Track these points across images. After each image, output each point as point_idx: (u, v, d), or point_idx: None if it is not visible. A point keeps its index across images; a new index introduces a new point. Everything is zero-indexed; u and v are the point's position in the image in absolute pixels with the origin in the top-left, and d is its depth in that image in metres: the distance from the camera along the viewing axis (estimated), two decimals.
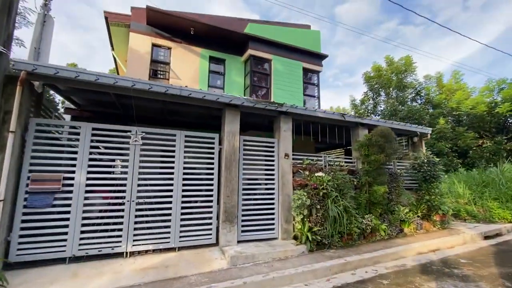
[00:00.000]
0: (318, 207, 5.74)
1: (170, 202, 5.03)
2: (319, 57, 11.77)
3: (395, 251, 5.44)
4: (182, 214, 5.09)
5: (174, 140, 5.23)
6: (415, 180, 7.92)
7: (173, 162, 5.16)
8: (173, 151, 5.20)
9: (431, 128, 8.66)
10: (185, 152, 5.28)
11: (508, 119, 13.59)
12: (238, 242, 5.43)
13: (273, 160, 6.17)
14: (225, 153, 5.49)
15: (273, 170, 6.13)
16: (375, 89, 20.17)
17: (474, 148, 13.79)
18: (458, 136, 14.21)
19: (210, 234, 5.29)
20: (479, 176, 10.90)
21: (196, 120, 7.38)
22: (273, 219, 5.94)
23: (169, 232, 4.92)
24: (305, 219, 5.76)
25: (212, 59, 10.16)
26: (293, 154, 6.41)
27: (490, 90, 15.08)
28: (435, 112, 16.06)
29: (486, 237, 7.12)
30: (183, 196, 5.14)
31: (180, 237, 5.01)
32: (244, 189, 5.73)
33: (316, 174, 6.07)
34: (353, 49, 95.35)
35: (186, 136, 5.32)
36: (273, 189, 6.05)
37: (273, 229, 5.90)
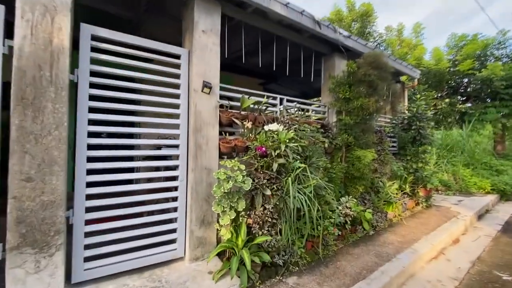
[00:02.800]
0: (268, 193, 2.81)
1: None
2: None
3: (398, 266, 2.98)
4: None
5: None
6: (394, 143, 5.65)
7: None
8: None
9: (419, 71, 6.35)
10: None
11: (467, 78, 12.74)
12: (75, 285, 2.24)
13: (176, 96, 2.86)
14: (18, 62, 1.95)
15: (177, 118, 2.85)
16: None
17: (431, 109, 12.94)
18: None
19: None
20: (442, 138, 9.53)
21: None
22: (172, 221, 2.83)
23: None
24: (240, 219, 2.81)
25: None
26: (222, 89, 3.20)
27: (449, 47, 13.99)
28: None
29: (479, 217, 5.42)
30: None
31: None
32: (92, 160, 2.36)
33: (267, 128, 3.02)
34: None
35: None
36: (173, 157, 2.85)
37: (173, 241, 2.82)
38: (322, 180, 3.39)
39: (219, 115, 3.05)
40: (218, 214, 2.86)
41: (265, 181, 2.81)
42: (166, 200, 2.79)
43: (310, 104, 4.32)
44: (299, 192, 2.94)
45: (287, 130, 3.09)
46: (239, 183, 2.59)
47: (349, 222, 3.63)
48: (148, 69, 2.69)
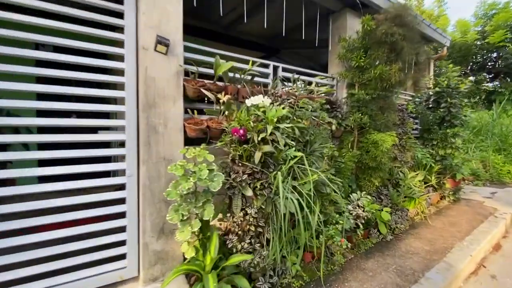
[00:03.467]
0: (250, 193, 2.01)
1: None
2: None
3: None
4: None
5: None
6: (416, 125, 4.68)
7: None
8: None
9: (450, 37, 5.25)
10: None
11: (497, 52, 11.29)
12: None
13: (119, 58, 2.02)
14: None
15: (121, 89, 2.03)
16: None
17: None
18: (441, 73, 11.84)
19: None
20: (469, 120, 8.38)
21: None
22: (119, 230, 2.07)
23: None
24: (211, 232, 2.04)
25: None
26: (189, 51, 2.35)
27: (477, 17, 12.39)
28: None
29: None
30: None
31: None
32: None
33: (249, 102, 2.15)
34: None
35: None
36: (116, 144, 2.05)
37: (121, 257, 2.08)
38: (327, 172, 2.56)
39: (183, 85, 2.21)
40: (178, 222, 2.08)
41: (245, 176, 2.00)
42: (110, 203, 2.04)
43: (313, 75, 3.42)
44: (293, 191, 2.12)
45: (279, 106, 2.23)
46: (204, 182, 1.80)
47: (361, 225, 2.82)
48: (74, 16, 1.85)
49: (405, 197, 3.68)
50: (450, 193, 4.54)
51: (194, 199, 1.85)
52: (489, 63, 12.17)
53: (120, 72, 2.01)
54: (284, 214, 2.02)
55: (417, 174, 3.89)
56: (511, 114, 10.08)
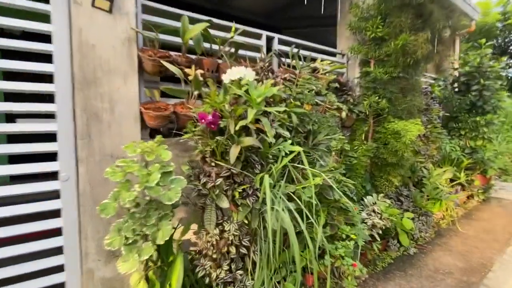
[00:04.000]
0: (226, 204, 1.45)
1: None
2: None
3: None
4: None
5: None
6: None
7: None
8: None
9: (479, 10, 4.49)
10: None
11: None
12: None
13: (43, 16, 1.45)
14: None
15: (48, 60, 1.46)
16: None
17: None
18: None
19: None
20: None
21: None
22: (57, 251, 1.53)
23: None
24: (174, 255, 1.48)
25: None
26: (151, 12, 1.76)
27: None
28: None
29: None
30: None
31: None
32: None
33: (227, 77, 1.55)
34: None
35: None
36: (44, 137, 1.49)
37: (59, 287, 1.56)
38: (335, 172, 1.96)
39: (139, 55, 1.63)
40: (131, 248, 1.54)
41: (219, 181, 1.43)
42: (41, 216, 1.50)
43: (319, 51, 2.78)
44: (289, 199, 1.55)
45: (272, 84, 1.62)
46: (155, 190, 1.23)
47: (378, 237, 2.23)
48: None
49: (428, 198, 3.06)
50: (479, 191, 3.89)
51: (143, 215, 1.30)
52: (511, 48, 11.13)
53: (46, 38, 1.44)
54: (276, 230, 1.45)
55: (444, 171, 3.25)
56: None
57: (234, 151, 1.35)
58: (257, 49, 2.35)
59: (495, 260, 2.41)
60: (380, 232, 2.27)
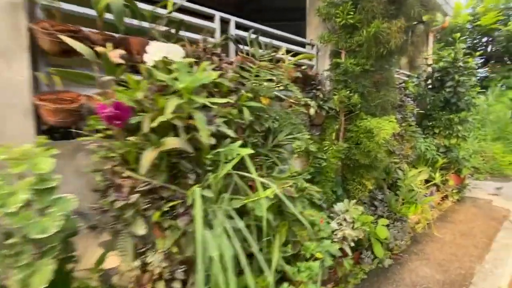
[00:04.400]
0: (141, 230, 1.07)
1: None
2: None
3: None
4: None
5: None
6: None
7: None
8: None
9: (453, 5, 4.41)
10: None
11: (487, 36, 10.73)
12: None
13: None
14: None
15: None
16: None
17: None
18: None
19: None
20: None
21: None
22: None
23: None
24: None
25: None
26: None
27: None
28: None
29: None
30: None
31: None
32: None
33: (149, 57, 1.17)
34: None
35: None
36: None
37: None
38: (298, 178, 1.65)
39: (30, 29, 1.21)
40: None
41: (134, 198, 1.05)
42: None
43: (286, 40, 2.46)
44: (241, 214, 1.20)
45: (215, 70, 1.26)
46: (19, 218, 0.83)
47: (349, 250, 1.95)
48: None
49: (403, 201, 2.85)
50: (453, 191, 3.78)
51: (13, 252, 0.89)
52: (480, 48, 11.59)
53: None
54: (219, 256, 1.10)
55: (419, 172, 3.06)
56: (504, 100, 9.58)
57: (147, 156, 0.98)
58: (211, 34, 1.99)
59: (475, 269, 2.22)
60: (352, 244, 1.99)
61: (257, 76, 1.66)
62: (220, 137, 1.28)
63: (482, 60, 11.60)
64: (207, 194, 1.14)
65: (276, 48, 2.26)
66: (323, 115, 2.50)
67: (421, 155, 3.24)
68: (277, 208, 1.51)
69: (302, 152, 2.22)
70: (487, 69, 11.46)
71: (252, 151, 1.29)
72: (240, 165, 1.28)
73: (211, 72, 1.21)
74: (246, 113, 1.45)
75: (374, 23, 2.16)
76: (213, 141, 1.17)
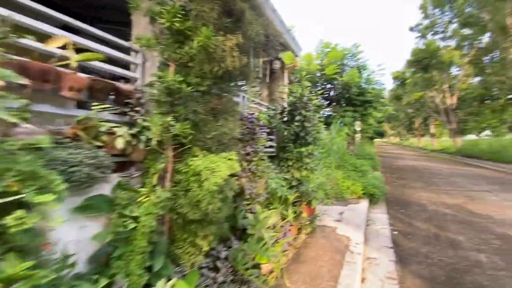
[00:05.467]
0: None
1: None
2: None
3: None
4: None
5: None
6: (273, 141, 3.78)
7: None
8: None
9: (302, 48, 4.85)
10: None
11: (331, 83, 13.65)
12: None
13: None
14: None
15: None
16: None
17: None
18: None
19: None
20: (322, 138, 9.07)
21: None
22: None
23: None
24: None
25: None
26: None
27: (317, 53, 14.77)
28: None
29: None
30: None
31: None
32: None
33: None
34: None
35: None
36: None
37: None
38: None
39: None
40: None
41: None
42: None
43: (100, 40, 1.62)
44: None
45: None
46: None
47: None
48: None
49: (254, 256, 2.40)
50: (306, 223, 3.79)
51: None
52: (326, 92, 14.59)
53: None
54: None
55: (271, 212, 2.76)
56: (342, 134, 12.01)
57: None
58: None
59: None
60: None
61: None
62: None
63: (328, 102, 14.59)
64: None
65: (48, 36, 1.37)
66: (143, 148, 1.74)
67: (274, 193, 3.01)
68: None
69: (94, 212, 1.35)
70: (330, 108, 14.42)
71: None
72: None
73: None
74: None
75: (203, 32, 1.65)
76: None
